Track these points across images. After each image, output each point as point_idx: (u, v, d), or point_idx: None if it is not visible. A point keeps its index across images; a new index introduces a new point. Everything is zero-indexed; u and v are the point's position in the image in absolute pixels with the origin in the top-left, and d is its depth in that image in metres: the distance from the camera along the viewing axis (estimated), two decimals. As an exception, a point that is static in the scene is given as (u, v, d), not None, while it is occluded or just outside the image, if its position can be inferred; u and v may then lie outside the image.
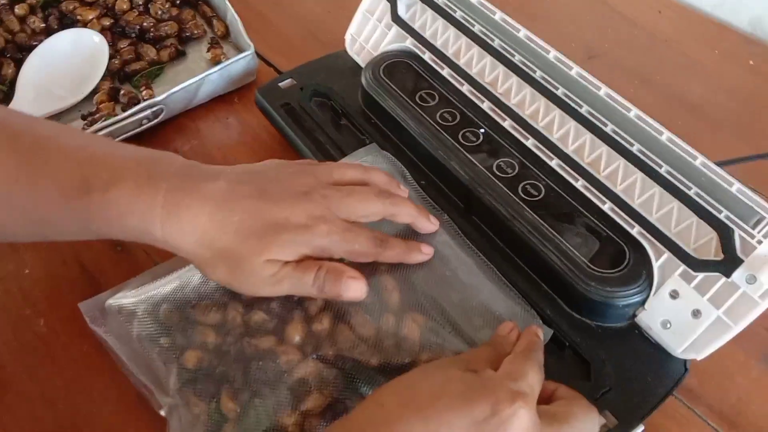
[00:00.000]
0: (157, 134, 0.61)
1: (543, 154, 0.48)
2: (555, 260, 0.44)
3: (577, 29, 0.72)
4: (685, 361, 0.43)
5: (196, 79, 0.60)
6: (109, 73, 0.65)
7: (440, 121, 0.52)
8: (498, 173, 0.49)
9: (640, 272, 0.43)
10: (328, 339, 0.42)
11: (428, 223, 0.45)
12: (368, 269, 0.45)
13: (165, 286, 0.47)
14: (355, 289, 0.41)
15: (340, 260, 0.43)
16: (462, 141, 0.51)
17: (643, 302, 0.43)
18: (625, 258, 0.44)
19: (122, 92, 0.62)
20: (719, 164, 0.56)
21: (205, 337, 0.43)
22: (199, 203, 0.41)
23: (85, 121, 0.60)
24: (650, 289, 0.43)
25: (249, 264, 0.40)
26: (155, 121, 0.60)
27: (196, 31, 0.68)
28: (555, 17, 0.73)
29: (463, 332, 0.43)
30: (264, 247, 0.40)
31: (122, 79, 0.65)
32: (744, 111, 0.63)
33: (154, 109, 0.59)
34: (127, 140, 0.59)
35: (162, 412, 0.42)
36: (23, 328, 0.49)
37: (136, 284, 0.48)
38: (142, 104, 0.58)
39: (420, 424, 0.34)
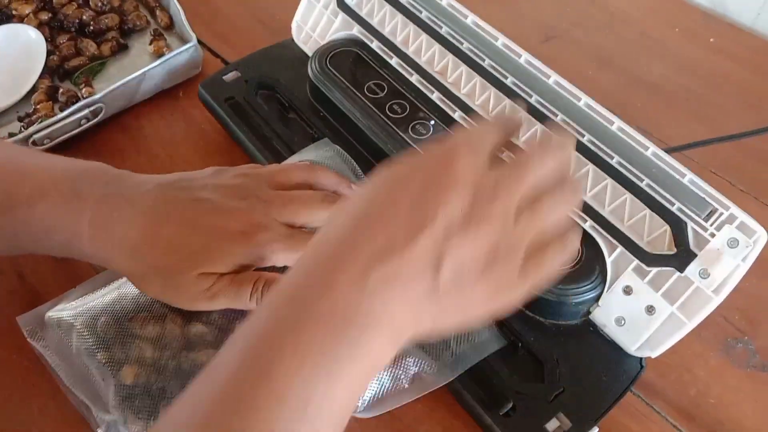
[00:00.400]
0: (98, 134, 0.58)
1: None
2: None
3: (535, 9, 0.70)
4: (641, 358, 0.42)
5: (135, 74, 0.57)
6: (48, 71, 0.62)
7: (389, 114, 0.50)
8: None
9: (593, 268, 0.42)
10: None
11: None
12: None
13: (104, 297, 0.45)
14: None
15: (284, 269, 0.41)
16: (412, 134, 0.49)
17: (597, 299, 0.42)
18: (577, 253, 0.42)
19: (61, 91, 0.59)
20: (678, 149, 0.55)
21: (143, 351, 0.41)
22: (129, 216, 0.39)
23: (22, 123, 0.58)
24: (604, 285, 0.42)
25: (182, 278, 0.38)
26: (95, 120, 0.57)
27: (138, 23, 0.65)
28: (512, -3, 0.71)
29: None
30: (196, 260, 0.38)
31: (62, 77, 0.62)
32: (705, 91, 0.61)
33: (93, 108, 0.56)
34: (67, 141, 0.57)
35: (100, 430, 0.41)
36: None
37: (77, 295, 0.46)
38: (80, 104, 0.55)
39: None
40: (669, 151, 0.56)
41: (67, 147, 0.57)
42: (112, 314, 0.43)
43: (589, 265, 0.42)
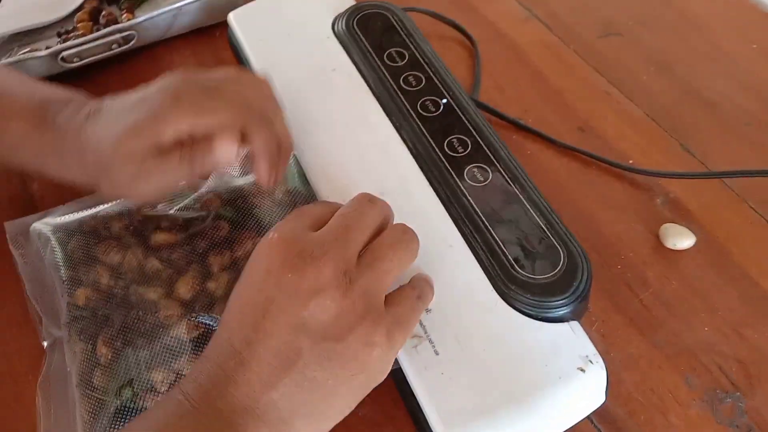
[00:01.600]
0: (129, 61, 0.59)
1: (494, 138, 0.43)
2: (480, 251, 0.40)
3: (600, 1, 0.64)
4: (605, 386, 0.38)
5: (170, 7, 0.57)
6: (99, -8, 0.63)
7: (403, 84, 0.48)
8: (447, 150, 0.44)
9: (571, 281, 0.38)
10: (221, 301, 0.40)
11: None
12: None
13: (83, 217, 0.45)
14: (226, 149, 0.38)
15: None
16: (420, 109, 0.46)
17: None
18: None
19: (103, 13, 0.60)
20: (718, 174, 0.50)
21: (100, 276, 0.41)
22: (89, 128, 0.39)
23: (59, 39, 0.59)
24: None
25: (112, 162, 0.38)
26: (126, 47, 0.57)
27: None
28: (581, -14, 0.66)
29: None
30: (120, 138, 0.37)
31: (110, 1, 0.63)
32: (767, 117, 0.55)
33: (125, 34, 0.57)
34: (97, 64, 0.57)
35: (45, 344, 0.41)
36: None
37: (63, 211, 0.47)
38: (111, 27, 0.56)
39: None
40: (707, 176, 0.51)
41: (96, 69, 0.58)
42: (84, 235, 0.44)
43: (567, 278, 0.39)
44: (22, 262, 0.45)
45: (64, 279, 0.42)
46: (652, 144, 0.53)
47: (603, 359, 0.38)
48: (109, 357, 0.39)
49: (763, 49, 0.60)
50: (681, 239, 0.47)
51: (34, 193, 0.51)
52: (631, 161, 0.52)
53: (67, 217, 0.46)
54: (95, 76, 0.58)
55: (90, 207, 0.46)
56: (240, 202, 0.45)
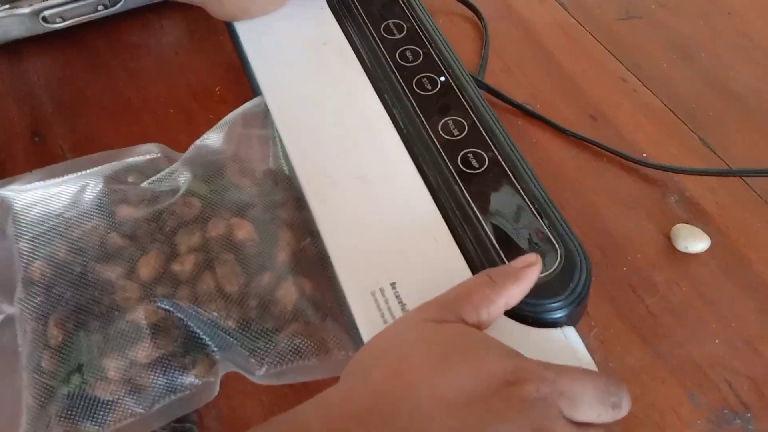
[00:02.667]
0: (117, 25, 0.56)
1: (494, 122, 0.40)
2: (468, 245, 0.36)
3: (624, -19, 0.60)
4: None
5: (160, -32, 0.53)
6: (91, -48, 0.59)
7: (399, 60, 0.44)
8: (441, 133, 0.40)
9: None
10: (186, 285, 0.37)
11: None
12: (266, 216, 0.39)
13: (48, 188, 0.43)
14: None
15: None
16: (415, 87, 0.43)
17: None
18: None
19: (93, -27, 0.57)
20: (738, 172, 0.46)
21: (58, 250, 0.38)
22: None
23: (44, -3, 0.56)
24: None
25: None
26: (112, 9, 0.54)
27: None
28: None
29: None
30: None
31: (103, -40, 0.59)
32: (798, 113, 0.51)
33: (111, -5, 0.53)
34: (82, 26, 0.54)
35: (-2, 319, 0.39)
36: None
37: (31, 179, 0.44)
38: (96, -13, 0.53)
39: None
40: (727, 173, 0.47)
41: (82, 32, 0.55)
42: (47, 206, 0.41)
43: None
44: (-19, 232, 0.42)
45: (21, 251, 0.39)
46: (669, 137, 0.49)
47: (600, 369, 0.34)
48: (60, 339, 0.36)
49: (797, 39, 0.55)
50: (694, 241, 0.43)
51: (2, 159, 0.49)
52: (645, 154, 0.48)
53: (31, 185, 0.43)
54: (80, 40, 0.55)
55: (57, 175, 0.44)
56: (216, 179, 0.42)
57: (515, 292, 0.33)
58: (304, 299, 0.37)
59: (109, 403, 0.35)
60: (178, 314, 0.36)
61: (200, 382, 0.35)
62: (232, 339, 0.36)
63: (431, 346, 0.29)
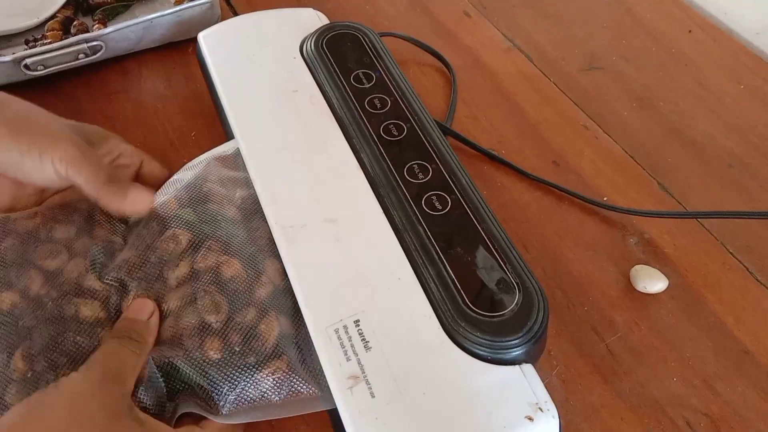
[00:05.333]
0: (97, 72, 0.57)
1: (456, 166, 0.41)
2: (430, 284, 0.37)
3: (588, 34, 0.63)
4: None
5: (141, 20, 0.55)
6: (73, 2, 0.61)
7: (367, 107, 0.46)
8: (407, 176, 0.42)
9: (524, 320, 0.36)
10: (171, 320, 0.38)
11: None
12: (251, 248, 0.41)
13: (24, 215, 0.43)
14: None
15: None
16: (383, 133, 0.44)
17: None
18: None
19: (75, 23, 0.59)
20: (696, 215, 0.48)
21: (32, 282, 0.39)
22: None
23: (27, 46, 0.57)
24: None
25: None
26: (93, 57, 0.56)
27: (172, -29, 0.63)
28: (568, 17, 0.64)
29: None
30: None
31: (85, 11, 0.62)
32: (752, 160, 0.53)
33: (92, 44, 0.55)
34: (63, 74, 0.56)
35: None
36: None
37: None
38: (78, 37, 0.54)
39: None
40: (684, 215, 0.48)
41: (64, 79, 0.56)
42: (24, 235, 0.41)
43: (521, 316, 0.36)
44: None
45: (-4, 277, 0.40)
46: (630, 182, 0.51)
47: (559, 408, 0.35)
48: (28, 376, 0.36)
49: (750, 89, 0.58)
50: (652, 282, 0.44)
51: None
52: (605, 198, 0.50)
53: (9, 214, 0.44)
54: (62, 87, 0.57)
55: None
56: (201, 206, 0.43)
57: (151, 342, 0.37)
58: (284, 335, 0.38)
59: None
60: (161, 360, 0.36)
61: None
62: (204, 371, 0.36)
63: None
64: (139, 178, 0.47)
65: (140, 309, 0.38)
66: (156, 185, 0.45)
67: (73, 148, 0.40)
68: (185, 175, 0.46)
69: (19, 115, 0.41)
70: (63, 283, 0.39)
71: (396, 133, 0.44)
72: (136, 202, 0.41)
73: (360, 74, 0.48)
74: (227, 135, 0.50)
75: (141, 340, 0.36)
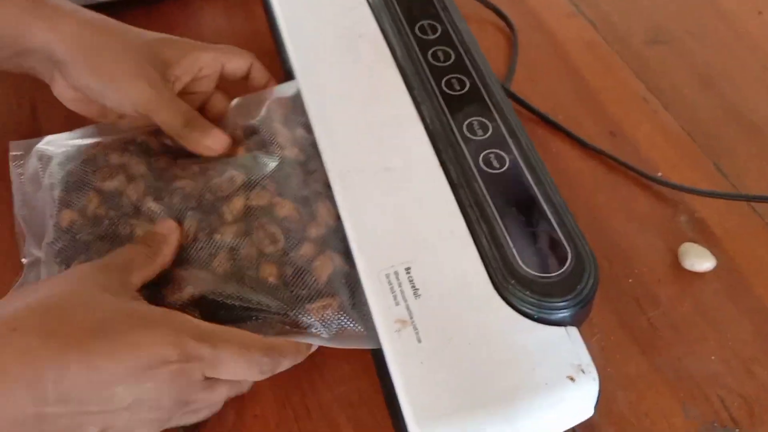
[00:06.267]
0: (158, 6, 0.58)
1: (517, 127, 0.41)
2: (483, 240, 0.37)
3: (655, 6, 0.61)
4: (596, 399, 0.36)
5: (207, -48, 0.55)
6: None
7: (431, 59, 0.45)
8: (466, 132, 0.42)
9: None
10: (224, 253, 0.39)
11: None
12: (306, 190, 0.41)
13: (86, 141, 0.45)
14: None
15: None
16: (444, 87, 0.44)
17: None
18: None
19: (140, -50, 0.59)
20: (747, 197, 0.47)
21: (90, 201, 0.40)
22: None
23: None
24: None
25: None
26: (157, -13, 0.56)
27: None
28: (635, -12, 0.63)
29: None
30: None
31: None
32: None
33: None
34: (126, 3, 0.56)
35: (24, 261, 0.40)
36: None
37: (70, 137, 0.46)
38: (144, -36, 0.54)
39: (75, 361, 0.29)
40: (736, 197, 0.48)
41: (123, 9, 0.56)
42: (84, 160, 0.43)
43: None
44: (18, 182, 0.44)
45: (55, 199, 0.41)
46: (684, 159, 0.51)
47: (598, 373, 0.35)
48: None
49: (820, 78, 0.56)
50: (700, 261, 0.44)
51: (41, 120, 0.50)
52: (659, 173, 0.49)
53: (73, 141, 0.45)
54: (123, 17, 0.56)
55: (95, 135, 0.46)
56: (258, 146, 0.44)
57: (167, 252, 0.37)
58: (337, 274, 0.39)
59: None
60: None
61: None
62: (257, 296, 0.37)
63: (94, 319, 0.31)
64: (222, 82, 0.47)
65: (163, 224, 0.39)
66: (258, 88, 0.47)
67: (148, 89, 0.41)
68: (245, 112, 0.46)
69: (97, 45, 0.41)
70: (120, 204, 0.40)
71: (458, 88, 0.44)
72: (210, 148, 0.42)
73: (425, 25, 0.47)
74: (287, 75, 0.50)
75: (155, 246, 0.37)
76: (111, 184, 0.41)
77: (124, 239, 0.39)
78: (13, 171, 0.44)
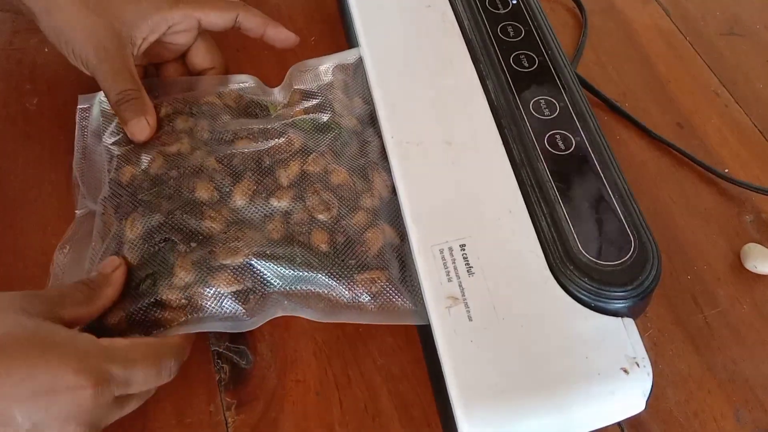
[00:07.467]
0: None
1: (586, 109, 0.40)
2: (542, 223, 0.36)
3: (733, -3, 0.59)
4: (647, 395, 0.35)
5: None
6: None
7: (500, 34, 0.44)
8: (532, 110, 0.41)
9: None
10: (279, 217, 0.38)
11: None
12: (362, 160, 0.41)
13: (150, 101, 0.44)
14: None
15: None
16: (512, 63, 0.43)
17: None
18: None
19: None
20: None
21: (153, 161, 0.40)
22: None
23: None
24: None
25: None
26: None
27: None
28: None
29: None
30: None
31: None
32: None
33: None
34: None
35: (78, 212, 0.41)
36: (14, 100, 0.48)
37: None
38: None
39: None
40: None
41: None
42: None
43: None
44: (80, 135, 0.44)
45: (116, 154, 0.41)
46: (754, 157, 0.49)
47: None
48: (138, 235, 0.37)
49: None
50: (764, 263, 0.42)
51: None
52: (726, 170, 0.47)
53: None
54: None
55: (153, 93, 0.45)
56: (317, 113, 0.43)
57: (109, 294, 0.35)
58: (390, 249, 0.38)
59: (163, 310, 0.36)
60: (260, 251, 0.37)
61: (248, 319, 0.36)
62: (308, 263, 0.37)
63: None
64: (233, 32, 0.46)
65: (106, 264, 0.36)
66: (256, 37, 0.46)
67: (93, 58, 0.41)
68: (305, 76, 0.45)
69: (56, 2, 0.41)
70: (183, 165, 0.40)
71: (527, 65, 0.43)
72: (131, 132, 0.41)
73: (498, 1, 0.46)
74: (350, 43, 0.49)
75: (95, 287, 0.35)
76: (174, 148, 0.41)
77: (183, 202, 0.38)
78: (78, 124, 0.45)
